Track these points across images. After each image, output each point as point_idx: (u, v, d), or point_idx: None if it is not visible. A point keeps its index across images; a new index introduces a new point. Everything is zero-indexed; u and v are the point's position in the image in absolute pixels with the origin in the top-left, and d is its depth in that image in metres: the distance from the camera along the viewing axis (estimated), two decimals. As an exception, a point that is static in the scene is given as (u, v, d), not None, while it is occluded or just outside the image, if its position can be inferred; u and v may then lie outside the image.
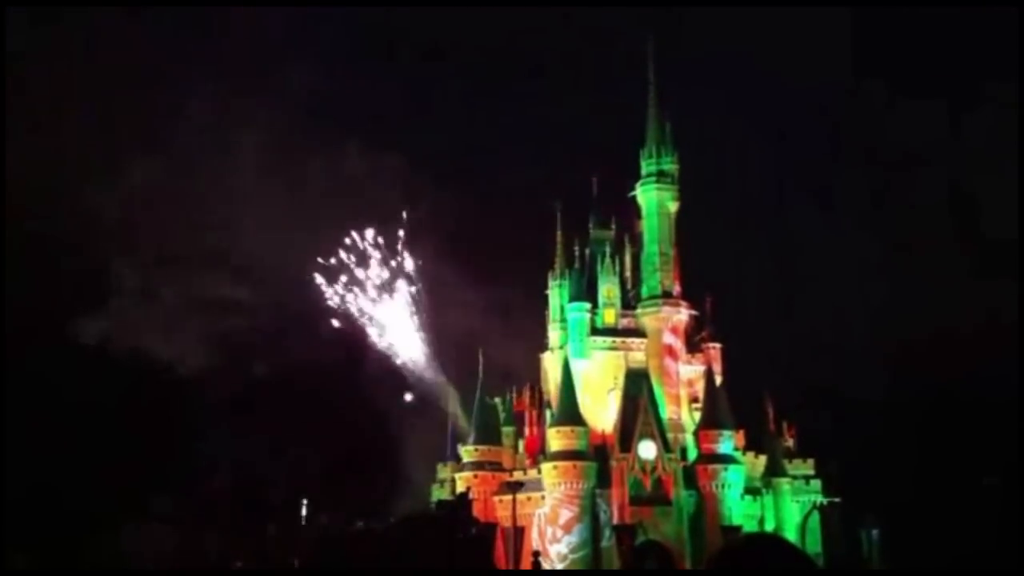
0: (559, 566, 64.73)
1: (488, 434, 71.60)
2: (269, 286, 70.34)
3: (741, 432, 70.17)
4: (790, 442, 72.02)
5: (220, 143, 71.01)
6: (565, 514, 65.98)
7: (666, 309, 72.27)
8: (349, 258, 77.33)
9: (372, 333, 76.02)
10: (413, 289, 77.14)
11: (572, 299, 72.47)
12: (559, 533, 65.92)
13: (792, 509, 68.79)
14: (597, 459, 66.85)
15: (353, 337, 71.15)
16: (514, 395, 74.24)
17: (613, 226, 77.41)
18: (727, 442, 68.10)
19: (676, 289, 73.44)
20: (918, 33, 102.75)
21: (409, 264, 76.62)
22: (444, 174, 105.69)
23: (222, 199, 68.72)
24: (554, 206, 76.21)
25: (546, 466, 67.13)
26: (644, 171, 74.85)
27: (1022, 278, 54.92)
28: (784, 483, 69.22)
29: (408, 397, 71.05)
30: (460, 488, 67.64)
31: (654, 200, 73.97)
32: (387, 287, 76.81)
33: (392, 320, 75.50)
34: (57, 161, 61.78)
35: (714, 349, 73.46)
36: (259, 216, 70.24)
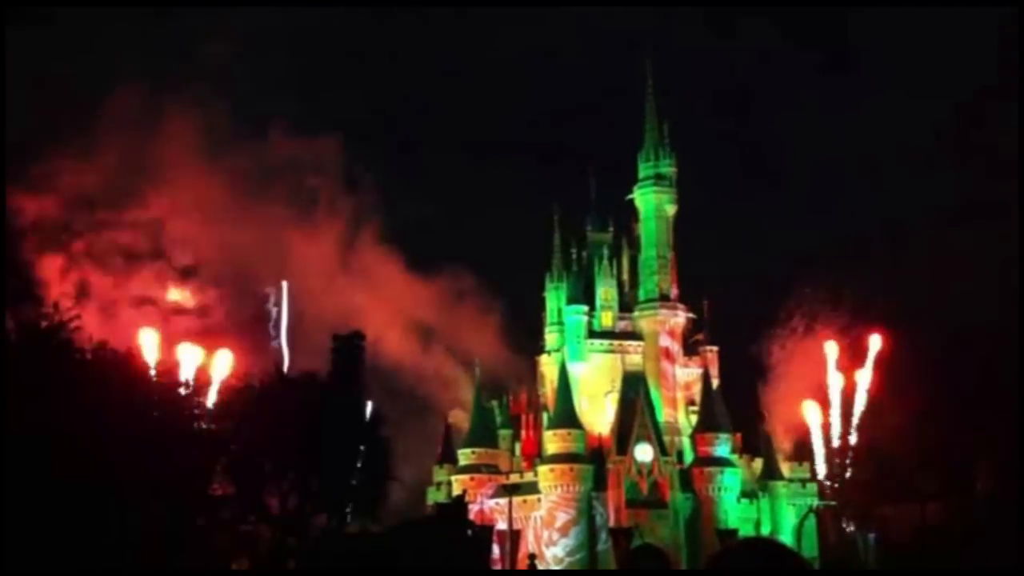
0: (555, 569, 64.71)
1: (485, 437, 71.61)
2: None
3: (737, 435, 70.20)
4: (786, 445, 72.02)
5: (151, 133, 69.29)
6: (561, 517, 66.02)
7: (663, 312, 72.32)
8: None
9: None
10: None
11: (569, 302, 72.51)
12: (555, 536, 65.96)
13: (788, 512, 68.84)
14: (593, 462, 66.89)
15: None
16: (511, 398, 74.27)
17: (611, 229, 77.52)
18: (723, 445, 68.16)
19: (673, 292, 73.51)
20: (917, 33, 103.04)
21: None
22: (441, 174, 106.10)
23: (157, 192, 67.39)
24: (552, 208, 76.42)
25: (542, 469, 67.17)
26: (642, 174, 74.89)
27: (1022, 284, 54.81)
28: (780, 487, 69.29)
29: None
30: (456, 490, 67.60)
31: (652, 203, 74.01)
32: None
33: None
34: None
35: (711, 352, 73.51)
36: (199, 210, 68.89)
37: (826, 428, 68.10)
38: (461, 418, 74.16)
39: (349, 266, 75.83)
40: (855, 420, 66.55)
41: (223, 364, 60.02)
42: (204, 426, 40.13)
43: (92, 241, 64.67)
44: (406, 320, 75.09)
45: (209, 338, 62.96)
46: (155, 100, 69.18)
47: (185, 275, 66.47)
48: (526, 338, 76.65)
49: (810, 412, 68.63)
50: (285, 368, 57.67)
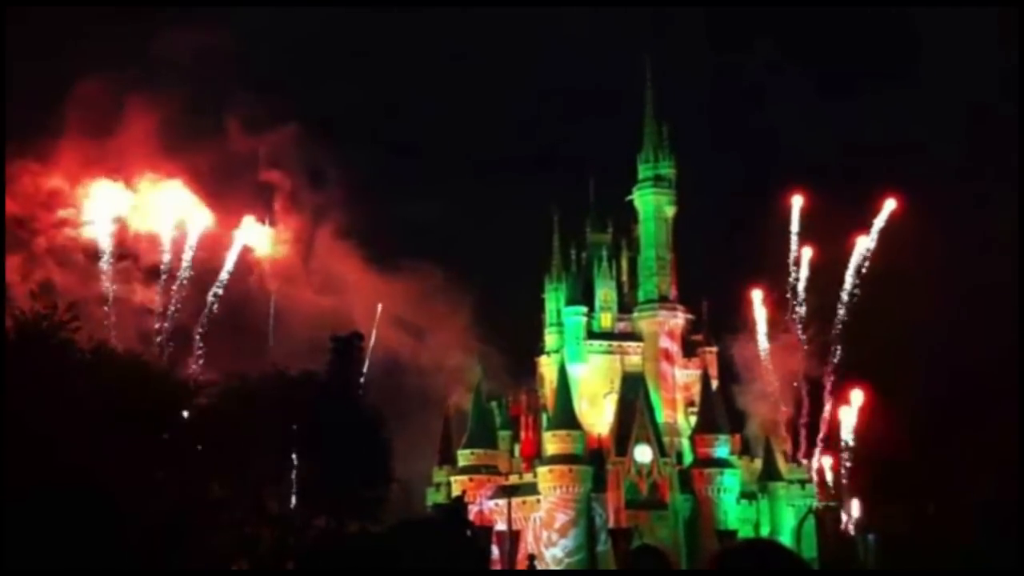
0: (555, 569, 64.72)
1: (484, 438, 71.61)
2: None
3: (736, 436, 70.21)
4: (786, 446, 72.06)
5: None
6: (561, 518, 66.02)
7: (663, 313, 72.37)
8: None
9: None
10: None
11: (569, 303, 72.53)
12: (555, 537, 65.95)
13: (787, 514, 68.84)
14: (593, 463, 66.90)
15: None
16: (510, 399, 74.25)
17: (610, 230, 77.52)
18: (723, 447, 68.16)
19: (673, 293, 73.55)
20: (915, 34, 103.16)
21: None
22: (441, 175, 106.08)
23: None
24: (551, 210, 76.42)
25: (542, 470, 67.18)
26: (641, 175, 74.92)
27: (1022, 284, 54.93)
28: (779, 488, 69.29)
29: None
30: (456, 491, 67.62)
31: (651, 204, 74.06)
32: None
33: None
34: None
35: (710, 353, 73.54)
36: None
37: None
38: (464, 398, 73.59)
39: (322, 262, 75.10)
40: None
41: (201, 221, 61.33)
42: (203, 427, 40.09)
43: (53, 239, 63.78)
44: (386, 317, 74.36)
45: (180, 339, 62.81)
46: (118, 96, 67.97)
47: (152, 275, 65.63)
48: (525, 339, 76.61)
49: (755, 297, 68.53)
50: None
